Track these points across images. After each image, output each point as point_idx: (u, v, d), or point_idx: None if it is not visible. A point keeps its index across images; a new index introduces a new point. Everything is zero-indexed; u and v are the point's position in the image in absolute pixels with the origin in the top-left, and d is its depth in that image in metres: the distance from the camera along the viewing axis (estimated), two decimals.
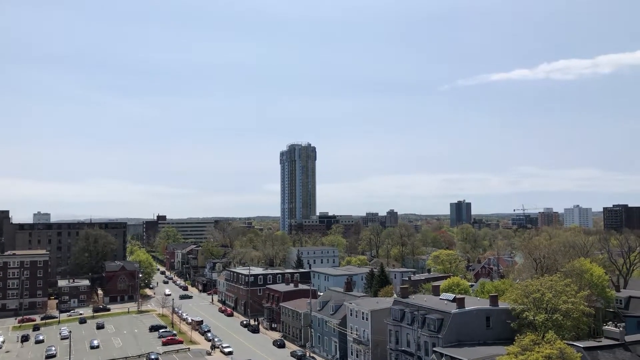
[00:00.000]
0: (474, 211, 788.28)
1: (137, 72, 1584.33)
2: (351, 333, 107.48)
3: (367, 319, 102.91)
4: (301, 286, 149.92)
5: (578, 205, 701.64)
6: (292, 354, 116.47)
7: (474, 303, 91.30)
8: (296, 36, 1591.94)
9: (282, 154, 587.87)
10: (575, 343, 68.57)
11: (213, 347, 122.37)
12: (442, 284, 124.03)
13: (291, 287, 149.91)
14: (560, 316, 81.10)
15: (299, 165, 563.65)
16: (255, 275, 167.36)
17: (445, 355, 78.26)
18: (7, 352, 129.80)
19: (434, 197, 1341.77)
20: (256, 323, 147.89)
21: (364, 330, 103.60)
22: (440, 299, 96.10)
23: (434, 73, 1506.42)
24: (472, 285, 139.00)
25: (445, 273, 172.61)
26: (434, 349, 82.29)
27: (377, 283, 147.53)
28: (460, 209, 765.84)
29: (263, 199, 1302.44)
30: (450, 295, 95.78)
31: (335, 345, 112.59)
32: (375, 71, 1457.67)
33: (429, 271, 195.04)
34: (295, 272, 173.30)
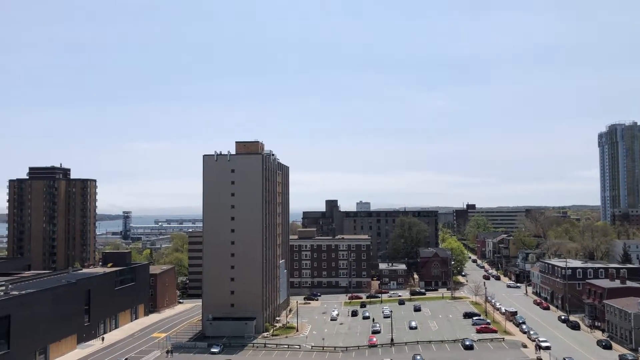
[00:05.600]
0: None
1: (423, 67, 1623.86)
2: None
3: None
4: (629, 283, 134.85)
5: None
6: (622, 358, 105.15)
7: None
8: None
9: (600, 135, 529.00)
10: None
11: (538, 347, 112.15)
12: None
13: (617, 283, 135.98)
14: None
15: (621, 147, 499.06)
16: (574, 269, 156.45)
17: None
18: (340, 324, 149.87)
19: None
20: (577, 320, 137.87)
21: None
22: None
23: None
24: None
25: None
26: None
27: None
28: None
29: (577, 187, 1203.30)
30: None
31: None
32: None
33: None
34: (622, 268, 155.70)
